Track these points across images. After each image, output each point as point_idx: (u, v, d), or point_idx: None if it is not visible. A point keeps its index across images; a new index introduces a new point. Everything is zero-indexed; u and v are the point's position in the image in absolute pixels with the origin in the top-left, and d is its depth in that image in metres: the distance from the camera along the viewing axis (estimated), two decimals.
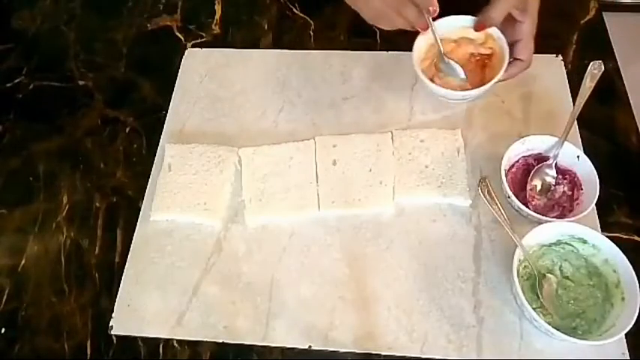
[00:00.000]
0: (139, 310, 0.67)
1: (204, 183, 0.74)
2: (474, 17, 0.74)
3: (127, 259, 0.70)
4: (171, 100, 0.84)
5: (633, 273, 0.60)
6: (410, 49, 0.76)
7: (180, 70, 0.87)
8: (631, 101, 0.79)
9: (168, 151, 0.77)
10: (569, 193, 0.70)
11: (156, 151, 0.79)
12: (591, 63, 0.71)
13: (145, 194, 0.75)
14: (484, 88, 0.73)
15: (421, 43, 0.76)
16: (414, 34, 0.75)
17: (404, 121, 0.79)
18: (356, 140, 0.76)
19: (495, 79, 0.72)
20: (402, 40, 0.79)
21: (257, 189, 0.73)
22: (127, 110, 0.84)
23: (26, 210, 0.76)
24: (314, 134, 0.77)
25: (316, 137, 0.77)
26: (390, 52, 0.85)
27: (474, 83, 0.76)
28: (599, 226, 0.68)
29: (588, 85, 0.70)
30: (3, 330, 0.68)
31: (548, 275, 0.63)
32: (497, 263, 0.67)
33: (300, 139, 0.77)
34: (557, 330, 0.58)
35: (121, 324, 0.66)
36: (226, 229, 0.72)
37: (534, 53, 0.73)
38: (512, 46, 0.73)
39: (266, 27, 0.92)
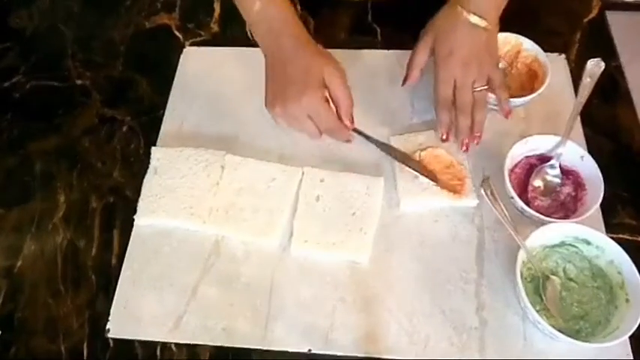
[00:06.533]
0: (136, 313, 0.66)
1: (191, 187, 0.72)
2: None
3: (124, 261, 0.69)
4: (169, 100, 0.83)
5: (638, 274, 0.59)
6: (410, 48, 0.75)
7: (178, 69, 0.86)
8: (634, 100, 0.78)
9: (154, 154, 0.75)
10: (573, 193, 0.69)
11: None
12: (589, 61, 0.70)
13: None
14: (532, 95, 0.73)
15: None
16: (415, 33, 0.74)
17: (405, 119, 0.78)
18: (346, 179, 0.72)
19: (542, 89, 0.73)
20: (402, 39, 0.79)
21: (227, 200, 0.71)
22: (124, 109, 0.83)
23: (23, 210, 0.75)
24: None
25: (305, 168, 0.73)
26: (390, 50, 0.84)
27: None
28: (603, 227, 0.67)
29: (588, 82, 0.69)
30: None
31: (552, 277, 0.63)
32: (501, 264, 0.66)
33: (298, 138, 0.75)
34: (561, 332, 0.57)
35: (118, 327, 0.65)
36: None
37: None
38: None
39: None
